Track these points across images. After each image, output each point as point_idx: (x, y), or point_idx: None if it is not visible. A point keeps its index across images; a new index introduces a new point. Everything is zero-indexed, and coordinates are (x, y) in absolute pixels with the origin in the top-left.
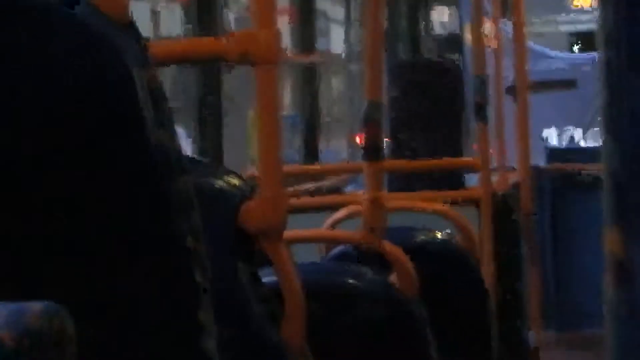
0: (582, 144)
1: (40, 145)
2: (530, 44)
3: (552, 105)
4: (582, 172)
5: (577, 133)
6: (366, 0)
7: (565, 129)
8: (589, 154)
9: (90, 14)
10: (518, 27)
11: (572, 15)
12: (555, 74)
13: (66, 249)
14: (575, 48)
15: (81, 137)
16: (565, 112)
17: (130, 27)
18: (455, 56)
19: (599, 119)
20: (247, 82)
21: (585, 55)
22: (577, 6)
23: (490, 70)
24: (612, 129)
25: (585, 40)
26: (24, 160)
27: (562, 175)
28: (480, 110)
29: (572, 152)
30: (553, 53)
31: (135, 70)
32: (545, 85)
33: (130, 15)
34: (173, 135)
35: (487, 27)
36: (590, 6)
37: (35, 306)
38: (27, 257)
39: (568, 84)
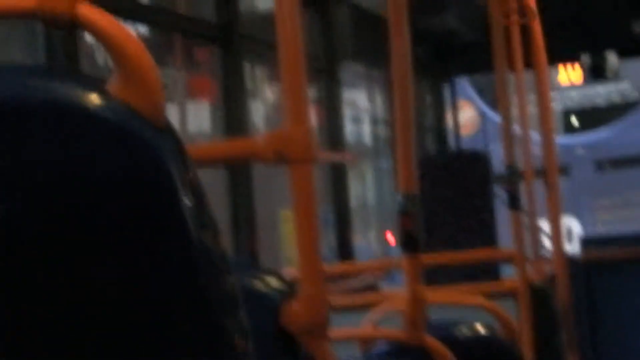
0: (580, 233)
1: (77, 249)
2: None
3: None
4: (618, 259)
5: (573, 222)
6: (396, 95)
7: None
8: (622, 240)
9: (127, 116)
10: (544, 109)
11: (562, 92)
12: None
13: (107, 356)
14: (574, 120)
15: (123, 240)
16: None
17: (167, 128)
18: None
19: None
20: (276, 181)
21: (578, 138)
22: (565, 83)
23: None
24: None
25: (578, 117)
26: (60, 261)
27: (598, 263)
28: (514, 200)
29: (604, 240)
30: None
31: (175, 171)
32: (538, 173)
33: (166, 117)
34: (216, 234)
35: (467, 113)
36: (581, 82)
37: None
38: None
39: (560, 170)
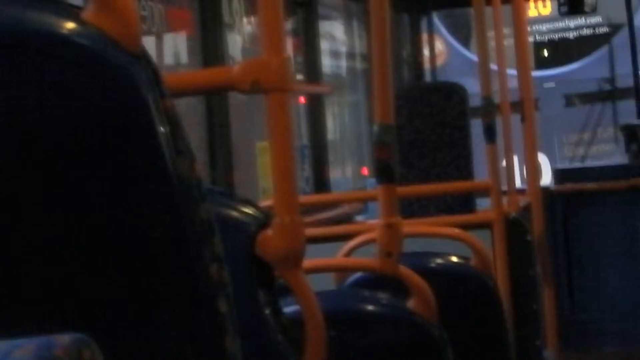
0: (549, 168)
1: (54, 177)
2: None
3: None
4: (592, 190)
5: (541, 157)
6: (373, 27)
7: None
8: (596, 173)
9: (102, 43)
10: (521, 42)
11: (532, 26)
12: (515, 94)
13: (87, 281)
14: (545, 53)
15: (98, 168)
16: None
17: (143, 56)
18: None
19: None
20: (253, 112)
21: (548, 71)
22: (534, 14)
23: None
24: None
25: (549, 51)
26: (38, 194)
27: (572, 195)
28: (489, 132)
29: (579, 172)
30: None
31: (150, 98)
32: (513, 106)
33: (143, 45)
34: (192, 162)
35: (438, 45)
36: (550, 15)
37: (64, 338)
38: (41, 290)
39: None
